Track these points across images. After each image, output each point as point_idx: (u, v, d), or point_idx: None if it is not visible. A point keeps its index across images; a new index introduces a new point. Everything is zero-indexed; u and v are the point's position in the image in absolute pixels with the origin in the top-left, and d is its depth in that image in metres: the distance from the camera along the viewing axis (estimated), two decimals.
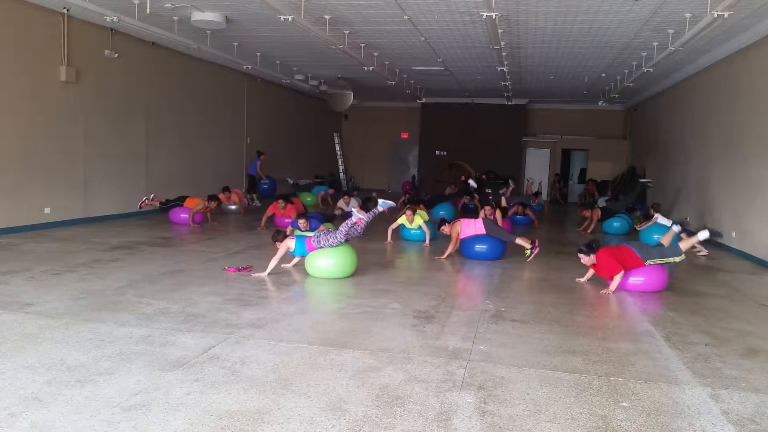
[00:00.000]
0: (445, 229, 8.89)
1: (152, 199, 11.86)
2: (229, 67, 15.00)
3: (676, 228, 8.17)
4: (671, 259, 6.85)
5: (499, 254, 8.76)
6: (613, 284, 6.73)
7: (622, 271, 6.69)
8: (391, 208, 8.05)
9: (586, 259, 6.91)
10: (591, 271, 7.25)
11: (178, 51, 12.91)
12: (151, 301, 5.68)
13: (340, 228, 7.04)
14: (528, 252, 8.55)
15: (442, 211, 12.66)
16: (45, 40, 9.78)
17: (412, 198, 13.60)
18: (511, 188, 14.95)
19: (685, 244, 6.97)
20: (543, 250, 9.89)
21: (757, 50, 9.81)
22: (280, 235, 7.33)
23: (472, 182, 14.03)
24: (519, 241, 8.67)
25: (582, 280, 7.32)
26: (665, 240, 7.75)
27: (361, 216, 7.08)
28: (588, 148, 21.96)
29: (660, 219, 10.79)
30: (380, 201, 7.60)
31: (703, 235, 6.91)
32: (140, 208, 11.78)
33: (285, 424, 3.22)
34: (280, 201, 11.51)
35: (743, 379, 4.19)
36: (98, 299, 5.67)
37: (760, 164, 9.51)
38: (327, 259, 6.96)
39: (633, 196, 13.40)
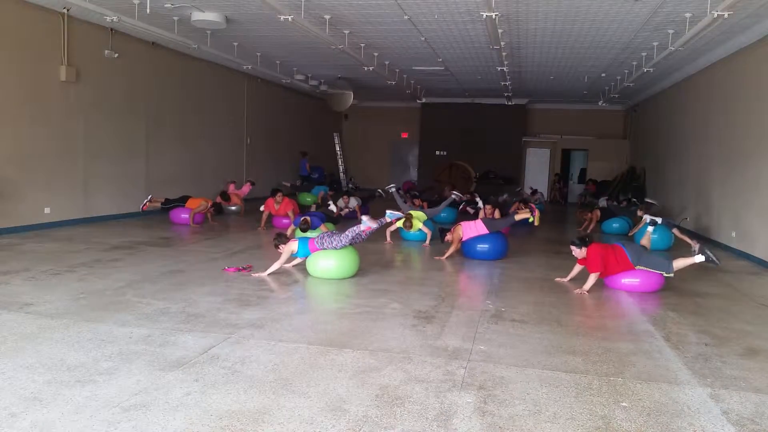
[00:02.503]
0: (448, 237, 8.86)
1: (151, 201, 11.83)
2: (229, 67, 15.00)
3: (650, 228, 8.16)
4: (661, 273, 6.79)
5: (500, 254, 8.76)
6: (588, 283, 6.73)
7: (598, 273, 6.70)
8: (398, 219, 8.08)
9: (577, 252, 6.93)
10: (575, 270, 7.25)
11: (178, 51, 12.91)
12: (151, 301, 5.68)
13: (346, 233, 7.01)
14: (531, 218, 8.58)
15: (442, 213, 12.63)
16: (45, 40, 9.78)
17: (413, 195, 13.51)
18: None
19: (678, 263, 6.79)
20: (543, 250, 9.91)
21: (757, 50, 9.81)
22: (282, 239, 7.32)
23: (479, 200, 13.84)
24: (518, 216, 8.79)
25: (563, 280, 7.31)
26: (645, 242, 7.75)
27: (371, 224, 7.07)
28: (588, 148, 21.96)
29: (648, 218, 10.78)
30: (388, 212, 7.61)
31: (699, 258, 6.75)
32: (142, 210, 11.75)
33: (285, 424, 3.22)
34: (278, 195, 11.43)
35: (743, 379, 4.19)
36: (98, 299, 5.67)
37: (759, 164, 9.51)
38: (329, 260, 6.96)
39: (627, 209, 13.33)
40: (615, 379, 4.07)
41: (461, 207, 13.38)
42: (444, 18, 9.92)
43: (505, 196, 14.79)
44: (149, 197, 11.77)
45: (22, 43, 9.41)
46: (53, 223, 10.17)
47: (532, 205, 8.73)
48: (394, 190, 12.78)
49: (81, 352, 4.21)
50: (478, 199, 13.40)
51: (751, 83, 10.06)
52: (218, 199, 13.07)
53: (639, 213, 11.57)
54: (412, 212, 10.50)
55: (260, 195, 15.45)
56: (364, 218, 7.15)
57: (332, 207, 12.34)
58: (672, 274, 6.76)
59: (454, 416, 3.39)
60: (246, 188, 14.59)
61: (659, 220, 10.57)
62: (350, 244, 7.06)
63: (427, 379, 3.94)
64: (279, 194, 11.48)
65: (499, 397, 3.70)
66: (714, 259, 6.66)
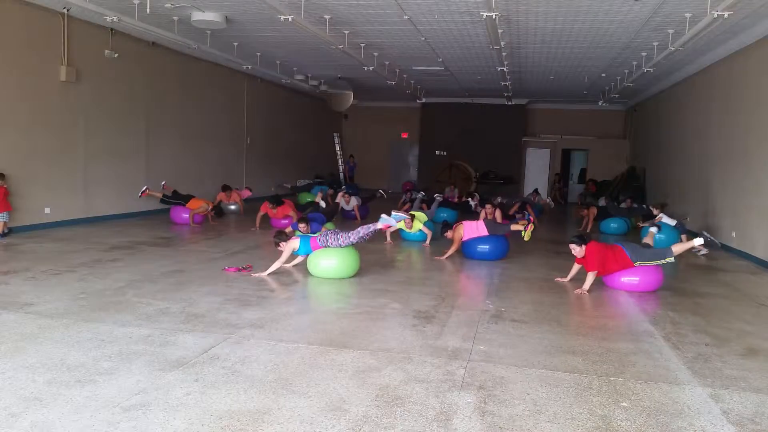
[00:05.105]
0: (449, 234, 8.88)
1: (163, 187, 11.97)
2: (229, 67, 15.00)
3: (654, 229, 8.18)
4: (661, 261, 6.82)
5: (500, 255, 8.76)
6: (586, 282, 6.75)
7: (596, 272, 6.73)
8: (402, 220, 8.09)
9: (577, 250, 6.91)
10: (574, 270, 7.25)
11: (178, 51, 12.91)
12: (151, 301, 5.68)
13: (357, 230, 7.00)
14: (523, 232, 8.53)
15: (443, 213, 12.65)
16: (45, 40, 9.78)
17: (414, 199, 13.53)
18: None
19: (678, 248, 6.88)
20: (543, 250, 9.90)
21: (757, 50, 9.81)
22: (283, 236, 7.31)
23: (471, 201, 13.84)
24: (514, 227, 8.74)
25: (563, 280, 7.31)
26: (648, 240, 7.77)
27: (389, 222, 7.05)
28: (588, 148, 21.97)
29: (665, 218, 10.74)
30: (394, 213, 7.61)
31: (698, 241, 6.83)
32: (140, 196, 11.78)
33: (285, 424, 3.22)
34: (272, 206, 11.31)
35: (743, 379, 4.19)
36: (98, 299, 5.67)
37: (760, 164, 9.51)
38: (329, 260, 6.96)
39: (632, 211, 13.29)
40: (615, 379, 4.07)
41: (474, 208, 13.35)
42: (444, 18, 9.92)
43: (498, 198, 14.76)
44: (163, 183, 12.04)
45: (22, 43, 9.41)
46: (53, 223, 10.17)
47: (532, 218, 8.66)
48: (421, 196, 13.09)
49: (81, 352, 4.21)
50: (470, 200, 13.43)
51: (751, 83, 10.06)
52: (219, 196, 13.08)
53: (655, 211, 11.47)
54: (413, 213, 10.54)
55: (263, 195, 15.44)
56: (384, 216, 7.14)
57: (321, 203, 12.35)
58: (673, 258, 6.79)
59: (454, 416, 3.39)
60: (245, 193, 14.58)
61: (673, 222, 10.56)
62: (353, 244, 7.05)
63: (427, 379, 3.94)
64: (272, 205, 11.25)
65: (499, 397, 3.70)
66: (713, 239, 6.71)
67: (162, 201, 11.88)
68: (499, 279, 7.49)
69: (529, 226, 8.54)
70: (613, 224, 12.50)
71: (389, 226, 7.10)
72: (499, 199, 14.15)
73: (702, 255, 9.77)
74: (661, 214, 11.03)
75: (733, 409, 3.65)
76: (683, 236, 10.18)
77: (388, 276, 7.38)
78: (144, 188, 11.82)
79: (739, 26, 9.40)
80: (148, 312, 5.29)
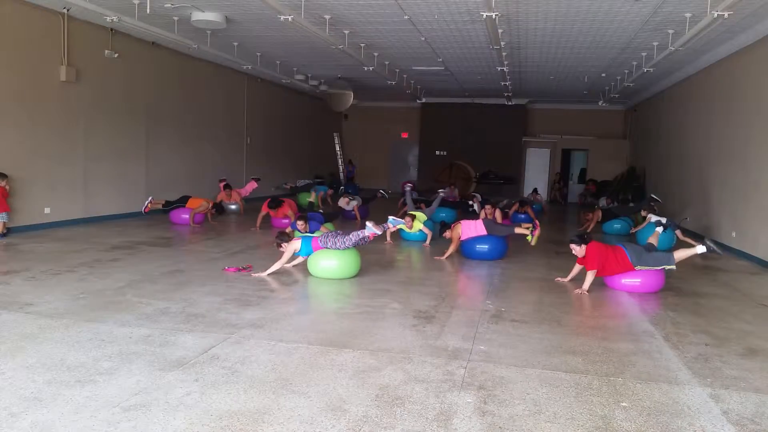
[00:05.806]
0: (447, 234, 8.89)
1: (152, 202, 11.71)
2: (229, 67, 15.00)
3: (659, 229, 8.16)
4: (663, 267, 6.80)
5: (499, 254, 8.76)
6: (586, 282, 6.74)
7: (596, 270, 6.72)
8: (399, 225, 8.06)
9: (578, 250, 6.90)
10: (575, 270, 7.24)
11: (178, 51, 12.91)
12: (151, 301, 5.68)
13: (350, 236, 7.00)
14: (529, 237, 8.49)
15: (442, 213, 12.63)
16: (45, 40, 9.78)
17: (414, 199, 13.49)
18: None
19: (679, 254, 6.81)
20: (543, 250, 9.89)
21: (757, 50, 9.81)
22: (285, 237, 7.30)
23: (476, 205, 13.79)
24: (518, 230, 8.69)
25: (563, 280, 7.31)
26: (653, 240, 7.77)
27: (375, 231, 7.06)
28: (588, 148, 21.97)
29: (653, 218, 10.80)
30: (390, 218, 7.59)
31: (701, 249, 6.77)
32: (144, 212, 11.61)
33: (285, 424, 3.22)
34: (271, 207, 11.31)
35: (743, 379, 4.19)
36: (98, 299, 5.67)
37: (759, 164, 9.51)
38: (330, 260, 6.96)
39: (636, 206, 13.26)
40: (615, 379, 4.07)
41: (471, 207, 13.32)
42: (444, 18, 9.92)
43: (504, 201, 14.72)
44: (150, 199, 11.63)
45: (22, 43, 9.40)
46: (53, 223, 10.17)
47: (537, 223, 8.62)
48: (409, 189, 12.91)
49: (81, 352, 4.21)
50: (472, 202, 13.39)
51: (751, 83, 10.05)
52: (220, 195, 13.05)
53: (643, 213, 11.53)
54: (413, 213, 10.53)
55: (263, 195, 15.43)
56: (369, 224, 7.12)
57: (320, 210, 12.38)
58: (674, 266, 6.77)
59: (454, 416, 3.39)
60: (250, 186, 14.53)
61: (664, 220, 10.59)
62: (353, 246, 7.07)
63: (427, 379, 3.94)
64: (271, 207, 11.26)
65: (499, 397, 3.70)
66: (715, 248, 6.67)
67: (164, 210, 11.79)
68: (499, 279, 7.49)
69: (536, 231, 8.48)
70: (616, 224, 12.48)
71: (375, 235, 7.09)
72: (504, 202, 14.10)
73: (701, 254, 9.75)
74: (650, 215, 11.08)
75: (733, 409, 3.65)
76: (677, 232, 10.19)
77: (388, 276, 7.38)
78: (146, 203, 11.53)
79: (739, 26, 9.40)
80: (148, 312, 5.29)
